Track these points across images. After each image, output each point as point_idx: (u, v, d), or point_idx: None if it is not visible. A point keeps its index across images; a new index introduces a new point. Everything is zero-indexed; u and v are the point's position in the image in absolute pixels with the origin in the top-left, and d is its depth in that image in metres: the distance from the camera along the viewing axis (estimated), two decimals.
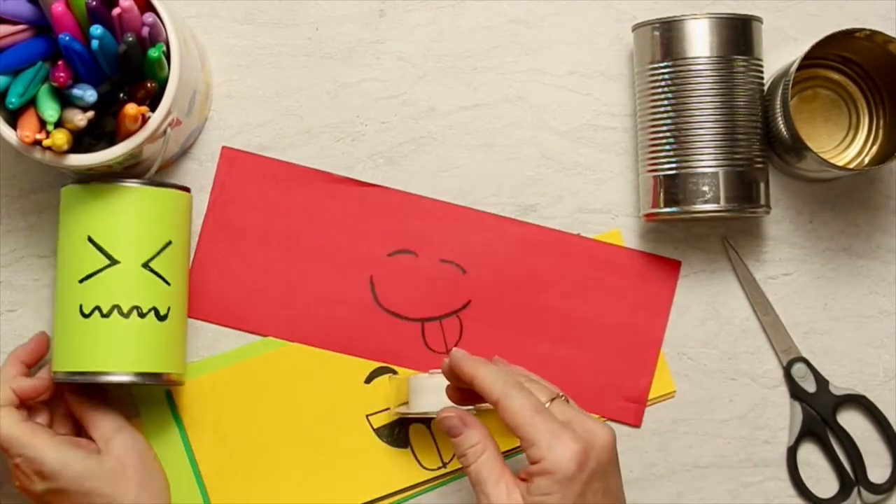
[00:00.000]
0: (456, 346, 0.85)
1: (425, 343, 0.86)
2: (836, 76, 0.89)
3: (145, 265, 0.82)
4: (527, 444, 0.71)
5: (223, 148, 0.86)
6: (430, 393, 0.83)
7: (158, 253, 0.82)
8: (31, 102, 0.78)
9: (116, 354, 0.81)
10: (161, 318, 0.82)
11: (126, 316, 0.81)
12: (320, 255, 0.87)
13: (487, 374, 0.73)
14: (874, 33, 0.82)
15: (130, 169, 0.83)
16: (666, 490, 0.88)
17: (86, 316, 0.81)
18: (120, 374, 0.81)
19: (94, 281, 0.81)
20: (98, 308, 0.81)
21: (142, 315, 0.81)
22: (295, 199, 0.87)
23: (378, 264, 0.86)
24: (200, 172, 0.89)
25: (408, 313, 0.86)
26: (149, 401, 0.88)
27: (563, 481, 0.70)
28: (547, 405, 0.73)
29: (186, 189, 0.85)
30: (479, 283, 0.87)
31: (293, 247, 0.87)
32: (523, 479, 0.71)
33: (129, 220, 0.82)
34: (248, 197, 0.87)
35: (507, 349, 0.86)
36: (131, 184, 0.82)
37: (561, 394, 0.74)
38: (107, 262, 0.81)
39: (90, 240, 0.81)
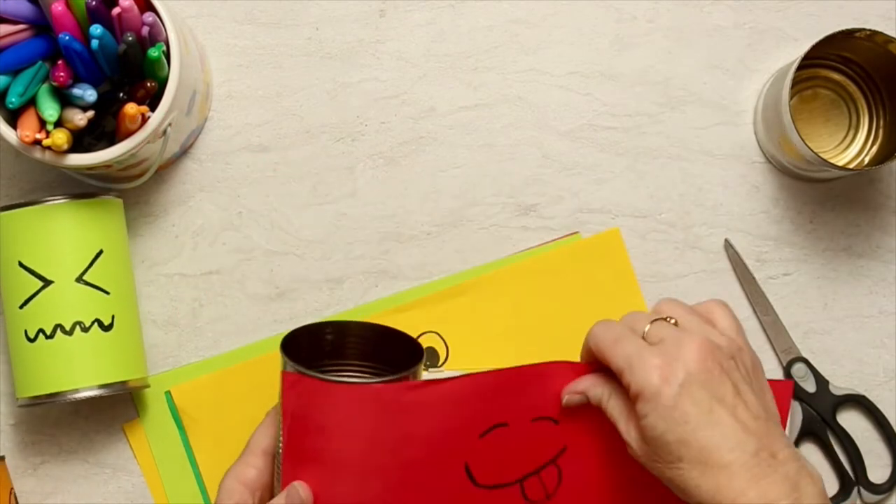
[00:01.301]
0: (556, 492, 0.79)
1: (525, 496, 0.79)
2: (836, 76, 0.89)
3: (79, 279, 0.81)
4: (618, 375, 0.71)
5: (283, 374, 0.73)
6: None
7: (91, 265, 0.82)
8: (31, 102, 0.78)
9: (70, 372, 0.81)
10: (106, 328, 0.82)
11: (69, 333, 0.81)
12: (411, 467, 0.76)
13: (592, 331, 0.75)
14: (874, 33, 0.82)
15: (130, 169, 0.83)
16: None
17: (32, 340, 0.81)
18: (80, 391, 0.81)
19: (32, 305, 0.81)
20: (42, 331, 0.81)
21: (85, 329, 0.81)
22: (366, 420, 0.75)
23: (471, 449, 0.77)
24: (200, 172, 0.89)
25: (506, 479, 0.78)
26: (148, 401, 0.88)
27: (652, 399, 0.68)
28: (647, 328, 0.72)
29: (117, 196, 0.85)
30: (574, 428, 0.79)
31: (382, 467, 0.75)
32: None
33: (55, 238, 0.81)
34: (321, 424, 0.74)
35: (609, 483, 0.79)
36: (53, 201, 0.81)
37: (664, 315, 0.73)
38: (40, 283, 0.81)
39: (21, 265, 0.81)
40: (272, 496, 0.75)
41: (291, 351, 0.74)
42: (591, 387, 0.74)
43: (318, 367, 0.78)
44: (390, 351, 0.78)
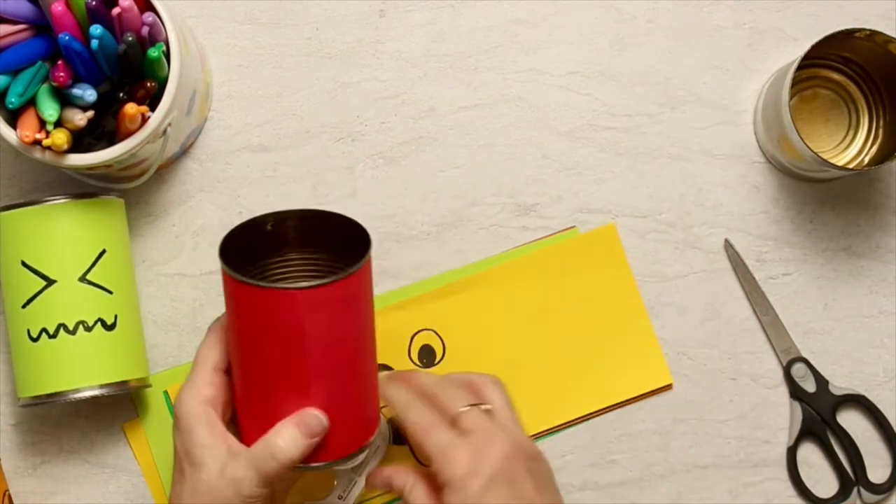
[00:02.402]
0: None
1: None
2: (836, 76, 0.89)
3: (82, 279, 0.81)
4: (428, 462, 0.72)
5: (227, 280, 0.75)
6: None
7: (94, 264, 0.82)
8: (31, 102, 0.78)
9: (73, 372, 0.81)
10: (109, 327, 0.82)
11: (73, 332, 0.81)
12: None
13: (391, 392, 0.76)
14: (874, 33, 0.82)
15: (130, 169, 0.83)
16: (666, 490, 0.88)
17: (34, 340, 0.81)
18: (83, 391, 0.81)
19: (35, 304, 0.81)
20: (45, 330, 0.81)
21: (88, 329, 0.81)
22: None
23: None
24: (200, 172, 0.89)
25: None
26: (147, 401, 0.88)
27: (459, 491, 0.70)
28: (461, 412, 0.73)
29: (118, 196, 0.85)
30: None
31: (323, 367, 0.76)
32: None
33: (58, 238, 0.81)
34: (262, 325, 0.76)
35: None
36: (55, 201, 0.81)
37: (482, 401, 0.75)
38: (43, 283, 0.81)
39: (24, 264, 0.81)
40: (231, 414, 0.76)
41: (232, 250, 0.75)
42: (394, 475, 0.76)
43: (261, 263, 0.80)
44: (339, 236, 0.78)
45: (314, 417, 0.73)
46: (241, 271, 0.74)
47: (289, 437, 0.72)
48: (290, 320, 0.72)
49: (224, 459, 0.73)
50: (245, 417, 0.76)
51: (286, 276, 0.81)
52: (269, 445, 0.72)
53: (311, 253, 0.81)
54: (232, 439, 0.74)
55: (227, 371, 0.76)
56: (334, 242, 0.79)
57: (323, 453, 0.74)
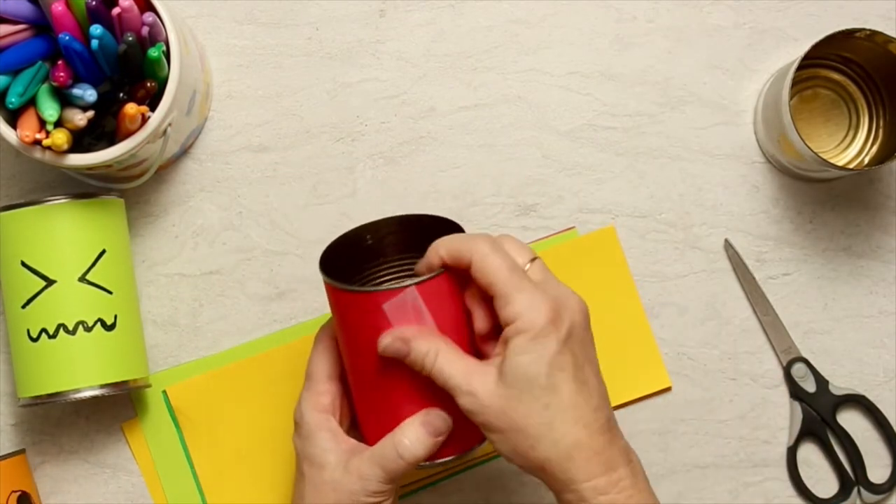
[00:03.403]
0: None
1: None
2: (836, 76, 0.89)
3: (82, 279, 0.81)
4: (502, 303, 0.70)
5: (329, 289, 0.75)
6: None
7: (94, 264, 0.82)
8: (31, 102, 0.78)
9: (73, 372, 0.81)
10: (108, 327, 0.82)
11: (73, 333, 0.81)
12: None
13: (463, 237, 0.73)
14: (874, 33, 0.82)
15: (130, 169, 0.83)
16: (666, 490, 0.88)
17: (34, 340, 0.81)
18: (83, 391, 0.81)
19: (35, 304, 0.81)
20: (44, 330, 0.81)
21: (88, 329, 0.81)
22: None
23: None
24: (200, 172, 0.89)
25: None
26: (146, 401, 0.88)
27: (538, 338, 0.69)
28: (526, 267, 0.72)
29: (118, 196, 0.85)
30: None
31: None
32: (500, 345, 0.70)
33: (58, 238, 0.81)
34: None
35: None
36: (55, 201, 0.81)
37: (536, 256, 0.73)
38: (43, 283, 0.81)
39: (24, 264, 0.81)
40: (350, 418, 0.77)
41: (331, 263, 0.76)
42: (421, 345, 0.71)
43: (361, 272, 0.80)
44: (432, 235, 0.76)
45: (439, 417, 0.73)
46: (343, 281, 0.75)
47: (415, 436, 0.72)
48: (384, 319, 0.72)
49: (347, 457, 0.74)
50: (368, 420, 0.76)
51: (389, 281, 0.82)
52: (395, 444, 0.73)
53: (410, 257, 0.81)
54: (354, 442, 0.75)
55: (342, 378, 0.77)
56: (427, 243, 0.78)
57: (446, 449, 0.74)
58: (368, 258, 0.81)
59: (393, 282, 0.81)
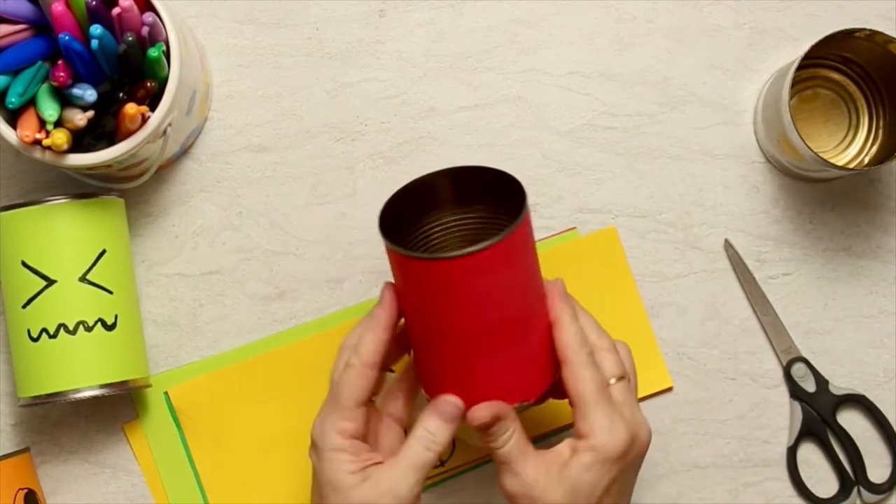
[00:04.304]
0: None
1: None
2: (836, 76, 0.89)
3: (83, 279, 0.81)
4: (581, 416, 0.72)
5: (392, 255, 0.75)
6: None
7: (94, 264, 0.82)
8: (31, 102, 0.78)
9: (73, 372, 0.81)
10: (109, 327, 0.82)
11: (73, 333, 0.81)
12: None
13: (571, 329, 0.74)
14: (874, 33, 0.82)
15: (130, 169, 0.83)
16: (666, 490, 0.88)
17: (35, 340, 0.81)
18: (83, 391, 0.81)
19: (36, 304, 0.81)
20: (45, 330, 0.81)
21: (88, 329, 0.81)
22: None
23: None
24: (200, 172, 0.89)
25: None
26: (147, 402, 0.88)
27: (606, 463, 0.71)
28: (612, 382, 0.74)
29: (118, 196, 0.85)
30: None
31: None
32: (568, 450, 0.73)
33: (58, 238, 0.81)
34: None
35: None
36: (55, 201, 0.81)
37: (626, 373, 0.75)
38: (44, 283, 0.81)
39: (24, 264, 0.81)
40: (376, 438, 0.77)
41: (389, 221, 0.75)
42: (506, 425, 0.74)
43: (417, 227, 0.80)
44: (493, 186, 0.77)
45: (448, 403, 0.74)
46: (400, 238, 0.75)
47: (434, 426, 0.74)
48: (463, 284, 0.71)
49: (370, 473, 0.74)
50: (440, 385, 0.75)
51: (446, 238, 0.81)
52: (418, 438, 0.74)
53: (467, 210, 0.80)
54: (375, 455, 0.75)
55: (371, 403, 0.76)
56: (486, 196, 0.78)
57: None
58: (423, 212, 0.80)
59: (452, 241, 0.81)
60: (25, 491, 0.85)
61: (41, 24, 0.78)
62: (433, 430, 0.74)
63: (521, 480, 0.73)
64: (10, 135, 0.78)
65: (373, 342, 0.75)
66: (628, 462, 0.73)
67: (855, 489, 0.88)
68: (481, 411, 0.73)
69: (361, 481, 0.73)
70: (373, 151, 0.90)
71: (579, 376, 0.73)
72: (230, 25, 0.90)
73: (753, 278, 0.89)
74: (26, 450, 0.86)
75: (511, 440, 0.73)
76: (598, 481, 0.71)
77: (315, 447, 0.75)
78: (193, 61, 0.82)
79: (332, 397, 0.76)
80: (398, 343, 0.77)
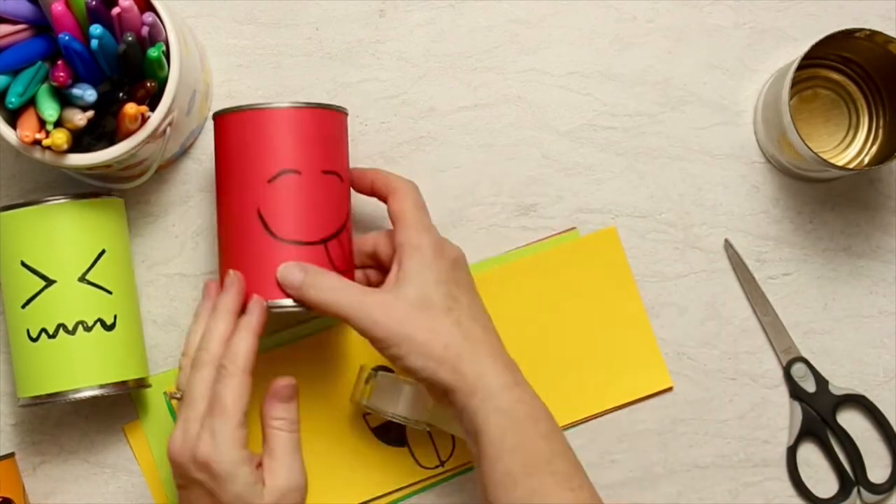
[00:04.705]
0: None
1: (330, 261, 0.80)
2: (836, 76, 0.89)
3: (82, 279, 0.82)
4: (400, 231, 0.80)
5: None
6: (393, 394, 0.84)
7: (93, 264, 0.82)
8: (31, 102, 0.78)
9: (73, 372, 0.81)
10: (108, 327, 0.82)
11: (72, 333, 0.81)
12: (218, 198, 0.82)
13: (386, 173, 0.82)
14: (874, 33, 0.82)
15: (130, 169, 0.83)
16: (666, 490, 0.88)
17: (34, 340, 0.81)
18: (82, 391, 0.81)
19: (35, 304, 0.81)
20: (44, 330, 0.81)
21: (88, 329, 0.81)
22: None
23: (261, 195, 0.79)
24: (200, 172, 0.89)
25: (309, 238, 0.79)
26: (147, 402, 0.88)
27: (430, 260, 0.78)
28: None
29: (118, 196, 0.85)
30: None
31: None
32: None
33: (58, 238, 0.81)
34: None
35: None
36: (55, 201, 0.81)
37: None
38: (43, 283, 0.81)
39: (23, 264, 0.81)
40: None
41: None
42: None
43: None
44: None
45: (280, 386, 0.78)
46: None
47: (282, 412, 0.77)
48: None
49: (267, 480, 0.75)
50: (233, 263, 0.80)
51: None
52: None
53: None
54: (257, 460, 0.76)
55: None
56: None
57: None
58: None
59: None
60: (1, 500, 0.84)
61: (41, 24, 0.78)
62: (283, 414, 0.76)
63: (380, 325, 0.75)
64: (10, 135, 0.78)
65: (247, 348, 0.76)
66: (452, 259, 0.79)
67: (855, 489, 0.88)
68: (290, 268, 0.77)
69: (262, 490, 0.74)
70: (373, 151, 0.90)
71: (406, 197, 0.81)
72: (230, 25, 0.90)
73: (753, 278, 0.89)
74: (9, 455, 0.86)
75: (341, 287, 0.77)
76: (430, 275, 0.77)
77: (206, 468, 0.73)
78: (193, 61, 0.82)
79: (215, 410, 0.74)
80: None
